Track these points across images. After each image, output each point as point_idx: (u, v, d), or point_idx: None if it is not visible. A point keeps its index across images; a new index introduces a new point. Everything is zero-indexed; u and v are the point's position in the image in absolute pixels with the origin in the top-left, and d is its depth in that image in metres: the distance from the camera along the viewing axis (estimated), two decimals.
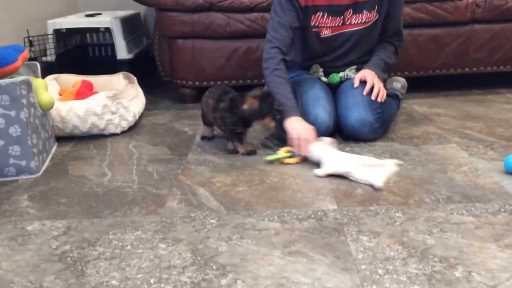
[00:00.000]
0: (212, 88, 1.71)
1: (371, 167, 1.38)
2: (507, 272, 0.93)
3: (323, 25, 1.72)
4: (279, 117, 1.56)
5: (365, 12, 1.71)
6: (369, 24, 1.73)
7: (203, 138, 1.77)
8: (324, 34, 1.74)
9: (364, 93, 1.67)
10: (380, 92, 1.67)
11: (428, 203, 1.22)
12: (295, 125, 1.54)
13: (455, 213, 1.16)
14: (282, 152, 1.52)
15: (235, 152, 1.61)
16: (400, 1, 1.77)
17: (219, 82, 2.20)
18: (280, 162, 1.52)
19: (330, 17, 1.71)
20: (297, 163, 1.51)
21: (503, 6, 2.08)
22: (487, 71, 2.20)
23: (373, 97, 1.66)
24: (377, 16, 1.74)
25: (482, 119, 1.83)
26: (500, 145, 1.57)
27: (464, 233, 1.07)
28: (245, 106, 1.54)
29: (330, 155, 1.44)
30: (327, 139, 1.51)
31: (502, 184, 1.30)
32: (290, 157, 1.51)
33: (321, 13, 1.70)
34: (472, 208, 1.18)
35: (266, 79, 1.68)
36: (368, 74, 1.70)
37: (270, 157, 1.52)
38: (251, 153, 1.59)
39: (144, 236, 1.12)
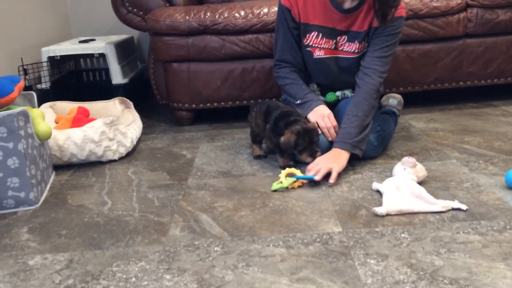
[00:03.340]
0: (257, 107, 1.74)
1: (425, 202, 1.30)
2: None
3: (316, 45, 1.73)
4: (319, 153, 1.57)
5: (357, 42, 1.71)
6: (359, 54, 1.74)
7: (258, 157, 1.76)
8: (317, 55, 1.75)
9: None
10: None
11: (433, 222, 1.21)
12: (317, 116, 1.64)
13: (461, 232, 1.15)
14: (283, 177, 1.50)
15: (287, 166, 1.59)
16: (387, 34, 1.65)
17: (215, 104, 2.20)
18: (288, 188, 1.49)
19: (324, 39, 1.72)
20: (301, 184, 1.50)
21: (494, 20, 2.11)
22: (482, 84, 2.22)
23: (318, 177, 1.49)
24: (366, 46, 1.74)
25: (480, 133, 1.84)
26: (500, 159, 1.58)
27: (471, 253, 1.06)
28: (282, 139, 1.55)
29: (389, 191, 1.35)
30: (409, 160, 1.40)
31: (505, 200, 1.29)
32: (294, 182, 1.48)
33: (316, 33, 1.71)
34: (478, 226, 1.17)
35: (283, 89, 1.81)
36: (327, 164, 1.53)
37: (275, 186, 1.49)
38: (289, 166, 1.57)
39: (148, 267, 1.11)
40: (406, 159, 1.42)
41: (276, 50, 1.78)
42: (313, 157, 1.56)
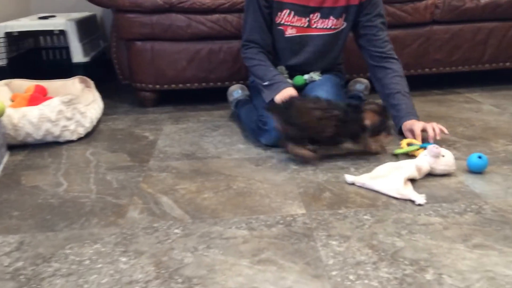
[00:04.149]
0: (308, 100, 1.49)
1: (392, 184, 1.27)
2: (477, 273, 0.92)
3: (288, 23, 1.70)
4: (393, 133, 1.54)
5: (332, 18, 1.69)
6: (335, 31, 1.72)
7: (307, 162, 1.49)
8: (289, 34, 1.71)
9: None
10: (436, 130, 1.57)
11: (396, 204, 1.21)
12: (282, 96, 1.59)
13: (422, 214, 1.15)
14: (404, 144, 1.52)
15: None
16: (373, 9, 1.70)
17: (180, 85, 2.14)
18: (408, 154, 1.50)
19: (296, 17, 1.69)
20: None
21: (461, 7, 2.13)
22: (446, 71, 2.24)
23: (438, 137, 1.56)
24: (344, 25, 1.72)
25: (444, 119, 1.86)
26: (463, 144, 1.59)
27: (432, 234, 1.07)
28: (367, 122, 1.44)
29: (382, 169, 1.34)
30: (433, 149, 1.34)
31: (466, 183, 1.31)
32: (418, 149, 1.48)
33: (288, 11, 1.68)
34: (439, 209, 1.18)
35: (250, 70, 1.77)
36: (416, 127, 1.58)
37: (398, 151, 1.51)
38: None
39: (103, 249, 1.06)
40: (431, 146, 1.35)
41: (245, 30, 1.74)
42: (391, 134, 1.52)
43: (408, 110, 1.64)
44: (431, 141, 1.53)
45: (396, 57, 1.73)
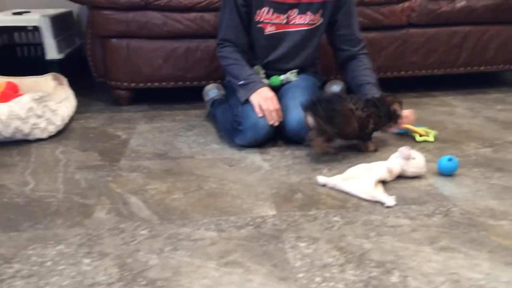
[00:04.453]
0: (345, 99, 1.51)
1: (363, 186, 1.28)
2: (442, 275, 0.93)
3: (268, 21, 1.69)
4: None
5: (309, 13, 1.70)
6: (312, 26, 1.73)
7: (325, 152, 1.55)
8: (268, 31, 1.71)
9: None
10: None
11: (366, 206, 1.21)
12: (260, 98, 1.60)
13: (391, 216, 1.16)
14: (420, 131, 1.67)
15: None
16: (349, 9, 1.73)
17: (156, 84, 2.11)
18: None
19: (275, 14, 1.69)
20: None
21: (437, 11, 2.15)
22: (422, 74, 2.26)
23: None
24: (321, 20, 1.73)
25: (418, 122, 1.86)
26: (435, 146, 1.61)
27: (400, 237, 1.07)
28: (397, 110, 1.56)
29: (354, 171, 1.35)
30: (403, 151, 1.34)
31: (436, 186, 1.31)
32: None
33: (267, 8, 1.67)
34: (408, 211, 1.18)
35: (225, 69, 1.75)
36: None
37: (419, 138, 1.66)
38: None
39: (67, 250, 1.03)
40: (402, 148, 1.35)
41: (221, 28, 1.72)
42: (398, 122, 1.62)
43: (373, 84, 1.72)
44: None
45: (367, 51, 1.80)
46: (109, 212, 1.19)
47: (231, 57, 1.71)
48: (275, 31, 1.72)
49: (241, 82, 1.66)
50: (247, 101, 1.62)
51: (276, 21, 1.70)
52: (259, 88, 1.63)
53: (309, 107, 1.50)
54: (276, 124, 1.60)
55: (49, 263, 0.99)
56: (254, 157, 1.55)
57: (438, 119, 1.90)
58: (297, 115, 1.61)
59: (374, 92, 1.66)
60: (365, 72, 1.74)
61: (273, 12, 1.68)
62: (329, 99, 1.50)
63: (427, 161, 1.43)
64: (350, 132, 1.53)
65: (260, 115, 1.58)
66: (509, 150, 1.55)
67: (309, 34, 1.74)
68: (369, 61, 1.79)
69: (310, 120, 1.49)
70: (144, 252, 1.02)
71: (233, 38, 1.70)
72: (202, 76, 2.13)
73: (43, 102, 1.69)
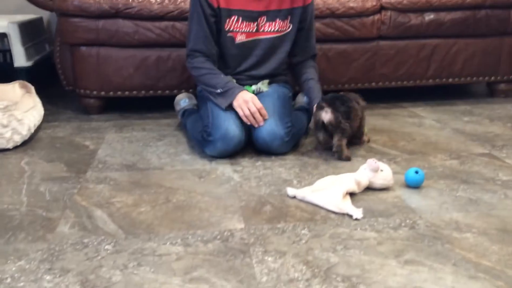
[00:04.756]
0: (350, 99, 1.62)
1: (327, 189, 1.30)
2: None
3: (237, 29, 1.69)
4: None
5: (278, 20, 1.72)
6: (282, 33, 1.74)
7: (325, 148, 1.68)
8: (239, 40, 1.71)
9: None
10: None
11: (334, 219, 1.22)
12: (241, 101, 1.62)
13: (358, 229, 1.16)
14: None
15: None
16: (311, 16, 1.80)
17: (127, 93, 2.09)
18: None
19: (245, 22, 1.69)
20: None
21: (406, 24, 2.19)
22: (392, 85, 2.30)
23: None
24: (290, 26, 1.75)
25: (387, 133, 1.90)
26: (403, 158, 1.63)
27: (366, 250, 1.07)
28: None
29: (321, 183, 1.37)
30: (371, 164, 1.34)
31: (403, 198, 1.33)
32: None
33: (236, 17, 1.67)
34: (375, 223, 1.19)
35: (198, 80, 1.74)
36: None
37: None
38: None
39: (27, 266, 1.00)
40: (370, 161, 1.35)
41: (190, 40, 1.72)
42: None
43: (318, 94, 1.78)
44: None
45: (316, 52, 1.91)
46: (73, 226, 1.17)
47: (204, 67, 1.70)
48: (245, 40, 1.72)
49: (219, 91, 1.65)
50: (230, 107, 1.63)
51: (246, 29, 1.71)
52: (239, 93, 1.63)
53: (330, 102, 1.58)
54: (261, 124, 1.62)
55: (8, 280, 0.95)
56: (224, 168, 1.54)
57: (407, 130, 1.93)
58: (268, 126, 1.61)
59: (317, 87, 1.79)
60: (310, 70, 1.85)
61: (242, 20, 1.69)
62: (341, 97, 1.60)
63: (395, 173, 1.45)
64: (354, 130, 1.64)
65: (248, 123, 1.62)
66: (475, 162, 1.59)
67: (279, 41, 1.76)
68: (315, 61, 1.90)
69: (329, 116, 1.57)
70: (108, 268, 1.00)
71: (203, 48, 1.70)
72: (174, 85, 2.12)
73: (9, 112, 1.65)
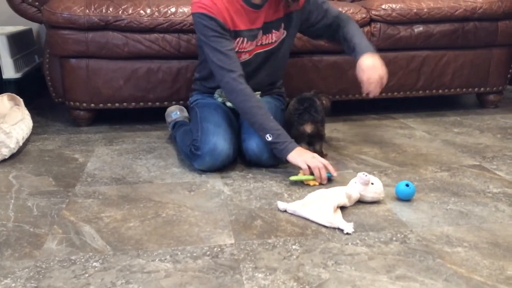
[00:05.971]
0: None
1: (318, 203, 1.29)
2: None
3: (242, 50, 1.68)
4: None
5: (274, 31, 1.71)
6: (277, 43, 1.74)
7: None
8: (243, 59, 1.70)
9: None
10: (323, 175, 1.50)
11: (325, 233, 1.21)
12: (306, 156, 1.52)
13: (349, 243, 1.16)
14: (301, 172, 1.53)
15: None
16: (316, 5, 1.74)
17: (117, 104, 2.07)
18: (303, 182, 1.52)
19: (249, 42, 1.68)
20: (317, 184, 1.51)
21: (396, 36, 2.20)
22: (382, 97, 2.30)
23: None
24: (285, 33, 1.74)
25: (378, 144, 1.90)
26: (394, 170, 1.63)
27: (357, 265, 1.07)
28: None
29: (313, 196, 1.35)
30: (362, 177, 1.34)
31: (394, 211, 1.33)
32: (314, 179, 1.50)
33: (241, 38, 1.66)
34: (366, 238, 1.18)
35: (243, 107, 1.58)
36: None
37: (294, 178, 1.51)
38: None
39: (13, 285, 0.98)
40: (360, 174, 1.35)
41: (223, 61, 1.56)
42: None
43: (365, 46, 1.74)
44: (318, 181, 1.50)
45: (343, 13, 1.80)
46: (61, 243, 1.15)
47: (252, 98, 1.57)
48: (248, 58, 1.72)
49: (270, 139, 1.54)
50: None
51: (249, 48, 1.70)
52: (293, 148, 1.53)
53: (306, 116, 1.66)
54: (324, 182, 1.50)
55: None
56: (214, 181, 1.53)
57: (398, 142, 1.93)
58: (258, 138, 1.60)
59: (363, 40, 1.76)
60: (341, 30, 1.76)
61: (247, 40, 1.67)
62: (313, 104, 1.67)
63: (386, 185, 1.45)
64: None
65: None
66: (465, 174, 1.59)
67: (276, 49, 1.76)
68: (348, 18, 1.80)
69: (311, 128, 1.67)
70: (95, 286, 0.98)
71: (238, 67, 1.59)
72: (164, 97, 2.11)
73: None
